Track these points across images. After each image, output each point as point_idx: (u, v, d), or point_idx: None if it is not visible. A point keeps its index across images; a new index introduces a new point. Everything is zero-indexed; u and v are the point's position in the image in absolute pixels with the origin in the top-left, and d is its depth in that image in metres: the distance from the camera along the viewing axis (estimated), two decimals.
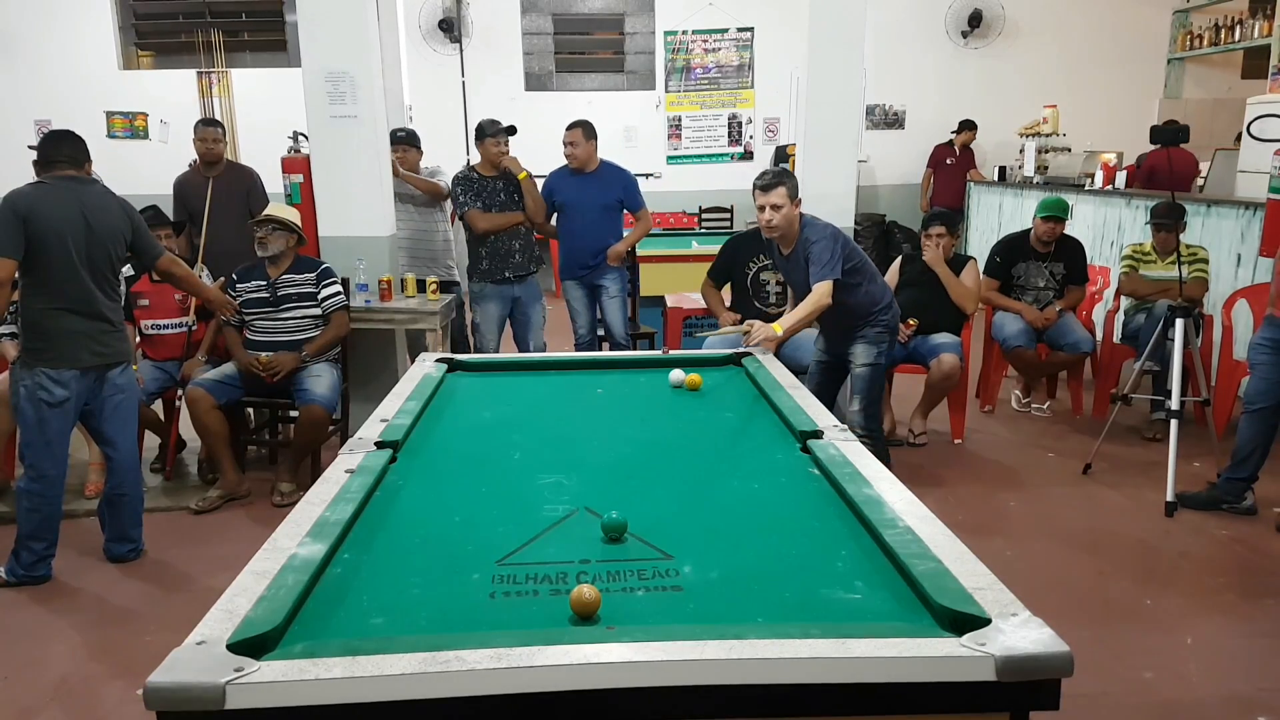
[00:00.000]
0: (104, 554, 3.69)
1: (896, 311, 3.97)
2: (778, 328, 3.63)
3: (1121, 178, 7.22)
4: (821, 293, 3.75)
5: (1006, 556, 3.62)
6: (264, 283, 4.35)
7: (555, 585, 1.69)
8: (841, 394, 4.38)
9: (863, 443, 3.79)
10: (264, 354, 4.24)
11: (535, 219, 5.15)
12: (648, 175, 9.57)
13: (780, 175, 3.86)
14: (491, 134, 5.06)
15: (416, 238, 5.45)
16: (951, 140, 9.81)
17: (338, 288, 4.46)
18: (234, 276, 4.42)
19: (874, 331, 3.92)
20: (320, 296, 4.40)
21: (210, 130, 5.22)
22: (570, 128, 5.22)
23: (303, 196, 5.01)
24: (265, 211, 4.41)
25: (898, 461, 4.35)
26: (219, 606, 1.51)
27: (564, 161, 5.31)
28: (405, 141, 5.36)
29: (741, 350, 3.60)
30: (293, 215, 4.45)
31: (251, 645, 1.40)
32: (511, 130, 5.13)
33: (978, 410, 5.57)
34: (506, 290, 5.17)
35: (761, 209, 3.83)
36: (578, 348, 5.39)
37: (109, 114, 9.84)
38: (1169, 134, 4.20)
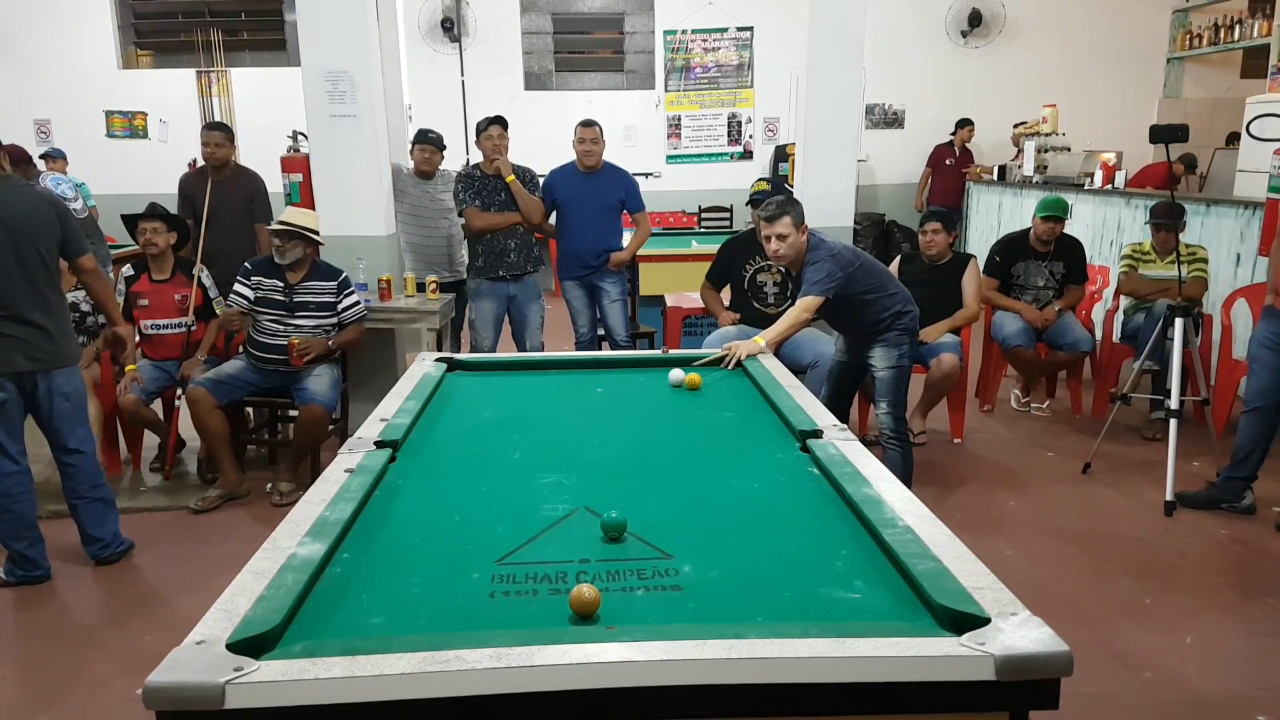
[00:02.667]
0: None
1: (915, 313, 3.88)
2: (760, 340, 3.57)
3: (1121, 177, 7.22)
4: (803, 306, 3.67)
5: (1006, 556, 3.62)
6: (281, 284, 4.33)
7: (555, 585, 1.69)
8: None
9: (888, 445, 3.87)
10: (296, 336, 4.25)
11: (531, 221, 5.12)
12: (647, 175, 9.59)
13: (784, 204, 3.66)
14: (483, 130, 5.07)
15: (433, 243, 5.42)
16: (951, 140, 9.81)
17: (356, 297, 4.51)
18: (247, 266, 4.40)
19: (893, 335, 3.83)
20: (340, 307, 4.42)
21: (213, 134, 5.12)
22: (588, 125, 5.20)
23: (302, 196, 5.01)
24: (283, 218, 4.32)
25: None
26: (218, 606, 1.51)
27: (564, 160, 5.30)
28: (435, 144, 5.36)
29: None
30: (311, 220, 4.39)
31: (251, 645, 1.40)
32: (497, 120, 5.09)
33: (977, 410, 5.57)
34: (502, 288, 5.16)
35: (768, 239, 3.70)
36: (579, 347, 5.39)
37: (108, 113, 9.85)
38: (1170, 132, 4.17)
